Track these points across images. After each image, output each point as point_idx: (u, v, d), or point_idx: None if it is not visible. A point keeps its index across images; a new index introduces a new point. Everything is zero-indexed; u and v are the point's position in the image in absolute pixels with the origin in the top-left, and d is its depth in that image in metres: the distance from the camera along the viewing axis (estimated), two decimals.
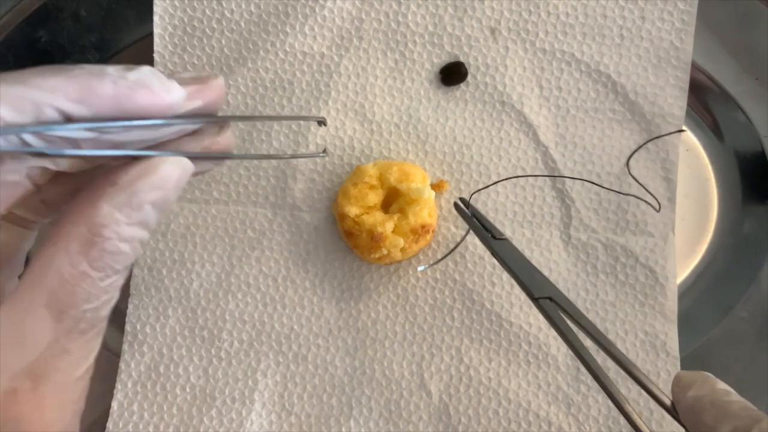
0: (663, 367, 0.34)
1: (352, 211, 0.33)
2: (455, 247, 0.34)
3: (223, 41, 0.36)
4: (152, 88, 0.19)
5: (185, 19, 0.36)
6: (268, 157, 0.27)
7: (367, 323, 0.34)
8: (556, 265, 0.35)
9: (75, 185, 0.22)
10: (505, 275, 0.34)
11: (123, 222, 0.19)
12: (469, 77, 0.36)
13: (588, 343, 0.26)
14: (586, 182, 0.35)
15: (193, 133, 0.22)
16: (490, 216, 0.35)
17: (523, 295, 0.34)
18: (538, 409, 0.33)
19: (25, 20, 0.37)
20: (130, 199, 0.19)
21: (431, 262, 0.34)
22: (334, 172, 0.35)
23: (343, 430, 0.33)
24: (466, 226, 0.34)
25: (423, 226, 0.33)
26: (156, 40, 0.35)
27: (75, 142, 0.19)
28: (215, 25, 0.36)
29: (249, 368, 0.34)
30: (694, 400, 0.22)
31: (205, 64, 0.35)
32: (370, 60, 0.36)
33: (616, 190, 0.35)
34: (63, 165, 0.20)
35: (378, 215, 0.33)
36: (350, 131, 0.35)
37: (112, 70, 0.18)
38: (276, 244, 0.35)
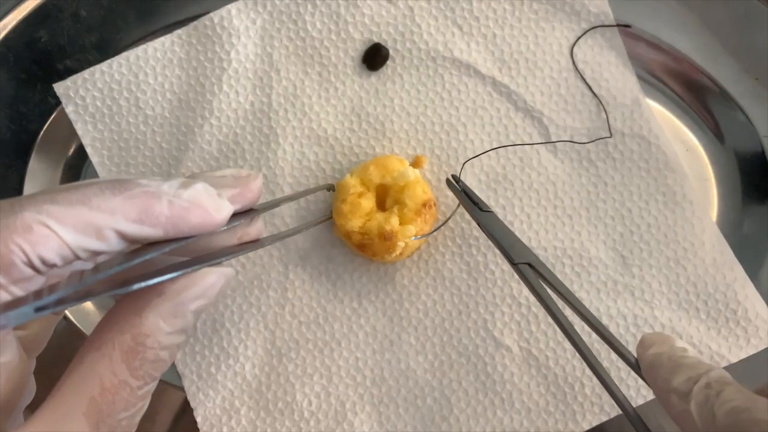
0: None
1: (355, 224, 0.32)
2: (452, 215, 0.34)
3: (157, 138, 0.35)
4: (206, 208, 0.20)
5: (114, 137, 0.35)
6: (292, 233, 0.28)
7: (420, 316, 0.34)
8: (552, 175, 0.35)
9: None
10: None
11: (166, 331, 0.19)
12: (391, 52, 0.36)
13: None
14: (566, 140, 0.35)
15: (227, 229, 0.22)
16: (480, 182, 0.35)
17: None
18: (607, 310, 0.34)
19: (24, 20, 0.37)
20: (176, 309, 0.19)
21: (432, 231, 0.34)
22: (319, 199, 0.35)
23: (452, 420, 0.33)
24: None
25: (424, 204, 0.33)
26: (94, 161, 0.35)
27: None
28: (143, 128, 0.36)
29: (338, 414, 0.34)
30: (653, 357, 0.23)
31: (151, 167, 0.35)
32: (296, 84, 0.36)
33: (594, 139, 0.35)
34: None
35: (379, 216, 0.33)
36: (313, 156, 0.35)
37: (167, 187, 0.19)
38: (291, 284, 0.35)
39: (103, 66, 0.36)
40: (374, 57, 0.35)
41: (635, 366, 0.25)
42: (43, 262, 0.17)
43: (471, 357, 0.34)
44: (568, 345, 0.33)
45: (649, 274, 0.34)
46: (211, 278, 0.20)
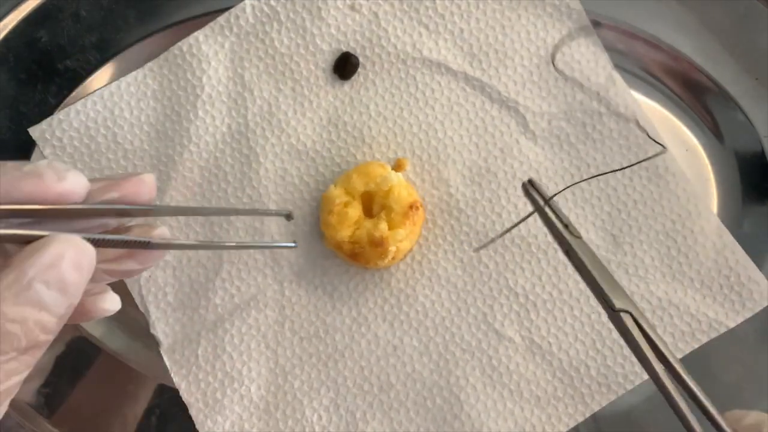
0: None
1: (344, 234, 0.33)
2: (516, 224, 0.29)
3: (135, 161, 0.36)
4: (42, 177, 0.19)
5: (96, 175, 0.35)
6: (201, 247, 0.28)
7: (420, 318, 0.34)
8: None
9: None
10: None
11: (9, 301, 0.18)
12: (361, 59, 0.36)
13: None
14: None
15: (119, 229, 0.22)
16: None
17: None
18: None
19: (25, 20, 0.37)
20: (18, 277, 0.18)
21: (485, 243, 0.34)
22: (306, 213, 0.35)
23: (463, 417, 0.33)
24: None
25: (410, 206, 0.33)
26: None
27: None
28: (123, 163, 0.36)
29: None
30: None
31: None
32: (271, 102, 0.36)
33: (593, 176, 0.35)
34: None
35: (367, 224, 0.33)
36: (295, 171, 0.35)
37: (11, 164, 0.19)
38: (288, 301, 0.35)
39: (78, 105, 0.36)
40: (345, 66, 0.35)
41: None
42: None
43: (475, 352, 0.34)
44: (569, 329, 0.34)
45: (641, 249, 0.34)
46: (54, 245, 0.19)
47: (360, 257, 0.33)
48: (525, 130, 0.35)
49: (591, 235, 0.34)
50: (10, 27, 0.37)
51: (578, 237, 0.26)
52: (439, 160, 0.35)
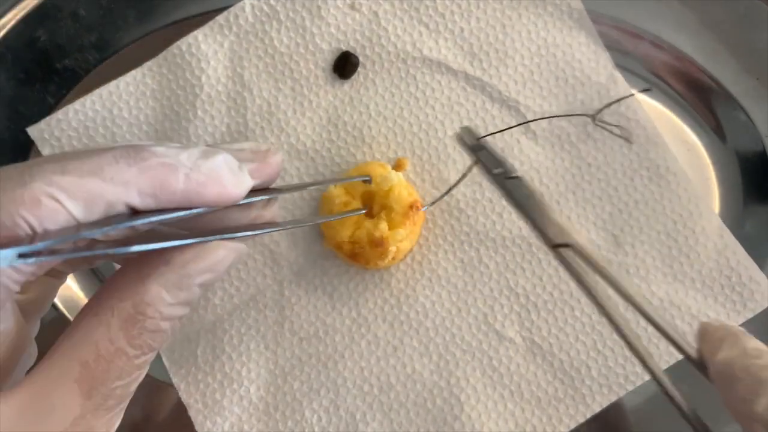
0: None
1: (344, 234, 0.32)
2: (457, 182, 0.31)
3: None
4: (224, 184, 0.19)
5: None
6: (310, 221, 0.27)
7: (420, 318, 0.34)
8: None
9: None
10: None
11: (168, 302, 0.18)
12: (361, 58, 0.36)
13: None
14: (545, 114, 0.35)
15: (241, 206, 0.21)
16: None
17: None
18: None
19: (23, 19, 0.36)
20: (181, 280, 0.18)
21: (432, 202, 0.34)
22: (305, 213, 0.35)
23: (463, 418, 0.33)
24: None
25: (411, 206, 0.33)
26: None
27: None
28: None
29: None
30: (725, 365, 0.20)
31: None
32: (270, 101, 0.36)
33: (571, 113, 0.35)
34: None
35: (367, 224, 0.33)
36: (294, 171, 0.35)
37: (186, 157, 0.18)
38: (287, 301, 0.35)
39: (76, 105, 0.36)
40: (344, 65, 0.35)
41: (698, 364, 0.21)
42: (47, 233, 0.16)
43: (475, 353, 0.33)
44: (569, 330, 0.33)
45: (642, 250, 0.34)
46: (221, 252, 0.19)
47: (360, 257, 0.33)
48: (526, 129, 0.35)
49: (592, 235, 0.34)
50: (8, 26, 0.37)
51: (515, 177, 0.25)
52: (440, 160, 0.35)
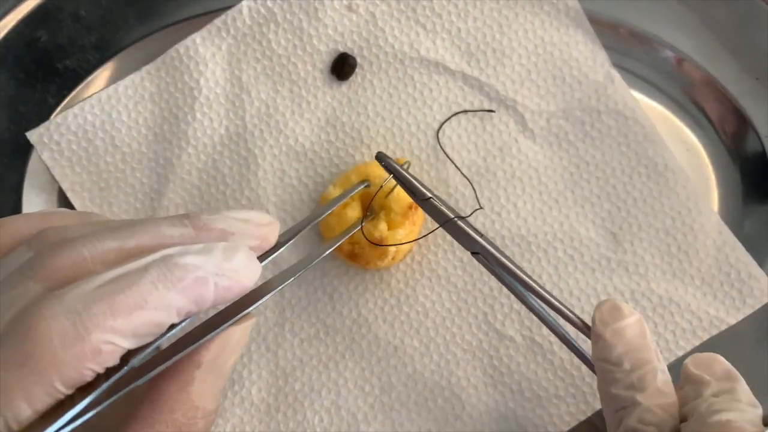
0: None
1: None
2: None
3: (137, 174, 0.35)
4: (244, 283, 0.20)
5: (94, 179, 0.35)
6: (307, 263, 0.27)
7: (421, 318, 0.34)
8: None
9: None
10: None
11: (212, 398, 0.20)
12: (358, 59, 0.36)
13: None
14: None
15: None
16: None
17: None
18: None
19: (24, 20, 0.37)
20: (217, 377, 0.20)
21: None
22: (305, 214, 0.35)
23: (465, 417, 0.33)
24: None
25: (410, 206, 0.33)
26: (75, 204, 0.35)
27: None
28: (122, 166, 0.36)
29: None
30: (597, 324, 0.26)
31: (134, 203, 0.35)
32: (269, 103, 0.36)
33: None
34: None
35: (367, 225, 0.33)
36: (293, 173, 0.35)
37: (212, 264, 0.19)
38: (288, 303, 0.35)
39: (75, 109, 0.36)
40: (342, 66, 0.35)
41: (584, 330, 0.27)
42: (107, 369, 0.18)
43: (476, 352, 0.33)
44: (570, 328, 0.33)
45: (641, 247, 0.34)
46: (237, 334, 0.21)
47: (360, 258, 0.33)
48: (524, 128, 0.35)
49: (591, 233, 0.34)
50: (9, 27, 0.37)
51: (427, 199, 0.29)
52: (438, 160, 0.35)
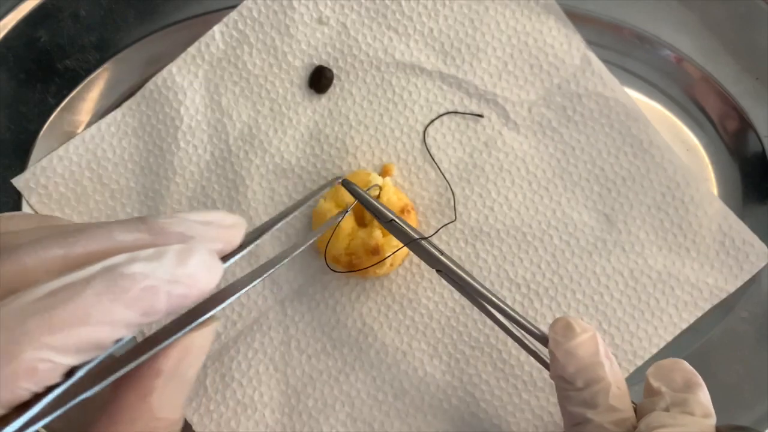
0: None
1: (340, 246, 0.32)
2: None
3: (128, 209, 0.36)
4: (201, 287, 0.18)
5: (84, 218, 0.35)
6: (276, 262, 0.26)
7: (426, 320, 0.34)
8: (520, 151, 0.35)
9: None
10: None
11: (174, 407, 0.19)
12: (335, 71, 0.36)
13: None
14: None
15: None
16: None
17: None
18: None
19: (24, 20, 0.37)
20: (178, 386, 0.19)
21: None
22: (298, 229, 0.35)
23: (481, 414, 0.33)
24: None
25: (402, 210, 0.33)
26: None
27: None
28: (111, 203, 0.36)
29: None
30: (553, 340, 0.26)
31: None
32: (251, 124, 0.36)
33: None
34: None
35: (361, 233, 0.33)
36: (282, 190, 0.35)
37: (163, 271, 0.17)
38: (291, 320, 0.35)
39: (60, 151, 0.36)
40: (320, 80, 0.36)
41: (542, 339, 0.27)
42: (47, 387, 0.17)
43: (484, 348, 0.34)
44: (573, 313, 0.33)
45: (635, 225, 0.34)
46: (198, 340, 0.19)
47: (358, 267, 0.33)
48: (506, 120, 0.35)
49: (584, 217, 0.34)
50: (9, 27, 0.37)
51: (389, 221, 0.29)
52: (425, 161, 0.35)
